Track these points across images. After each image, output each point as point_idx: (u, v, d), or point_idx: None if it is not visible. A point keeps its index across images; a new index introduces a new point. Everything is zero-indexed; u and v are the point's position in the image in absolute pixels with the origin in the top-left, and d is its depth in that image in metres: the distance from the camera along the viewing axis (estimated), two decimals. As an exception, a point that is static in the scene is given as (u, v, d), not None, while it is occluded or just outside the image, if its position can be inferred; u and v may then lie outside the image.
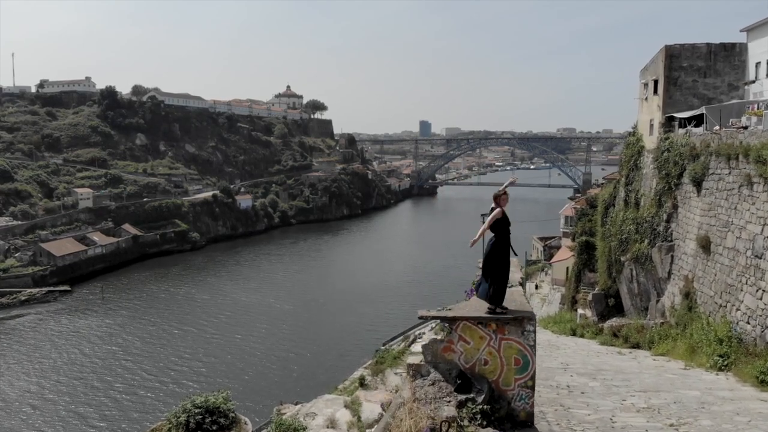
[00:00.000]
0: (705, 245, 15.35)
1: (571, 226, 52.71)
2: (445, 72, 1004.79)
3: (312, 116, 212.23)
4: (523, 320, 6.91)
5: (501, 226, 7.63)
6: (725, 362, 11.59)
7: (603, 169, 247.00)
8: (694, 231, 16.49)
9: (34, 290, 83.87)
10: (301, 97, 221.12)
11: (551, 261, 46.54)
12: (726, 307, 13.91)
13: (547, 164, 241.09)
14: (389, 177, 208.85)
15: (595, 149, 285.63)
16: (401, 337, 61.16)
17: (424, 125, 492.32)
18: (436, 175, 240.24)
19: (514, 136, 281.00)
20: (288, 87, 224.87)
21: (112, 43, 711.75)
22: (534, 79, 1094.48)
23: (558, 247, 56.08)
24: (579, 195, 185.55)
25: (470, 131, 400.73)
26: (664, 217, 18.70)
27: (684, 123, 19.11)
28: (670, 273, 17.97)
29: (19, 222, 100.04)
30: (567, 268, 40.94)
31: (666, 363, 12.98)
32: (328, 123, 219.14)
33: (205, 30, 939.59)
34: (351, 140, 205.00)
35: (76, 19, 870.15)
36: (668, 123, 20.18)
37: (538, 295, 45.62)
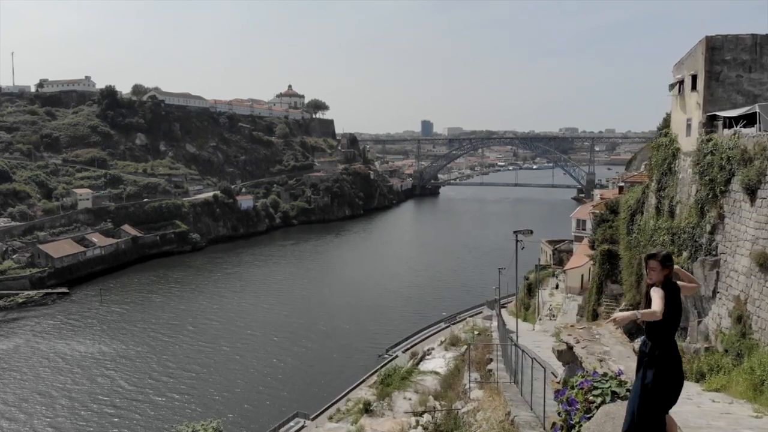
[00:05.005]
0: (762, 263, 13.46)
1: (583, 229, 50.76)
2: (446, 71, 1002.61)
3: (313, 116, 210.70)
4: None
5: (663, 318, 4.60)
6: (807, 410, 9.72)
7: (609, 169, 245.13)
8: (746, 245, 14.57)
9: (32, 292, 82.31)
10: (302, 96, 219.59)
11: (565, 268, 44.54)
12: (792, 336, 11.99)
13: (550, 164, 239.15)
14: (391, 177, 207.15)
15: (597, 149, 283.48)
16: (406, 344, 59.39)
17: (426, 125, 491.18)
18: (439, 175, 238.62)
19: (517, 135, 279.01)
20: (289, 86, 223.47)
21: (113, 44, 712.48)
22: (536, 78, 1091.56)
23: (569, 251, 54.10)
24: (583, 195, 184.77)
25: (472, 131, 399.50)
26: (708, 228, 16.78)
27: (730, 123, 17.20)
28: (715, 291, 16.08)
29: (18, 223, 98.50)
30: (582, 275, 39.00)
31: (729, 406, 11.09)
32: (329, 123, 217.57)
33: (206, 30, 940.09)
34: (353, 140, 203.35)
35: (77, 20, 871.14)
36: (710, 123, 18.27)
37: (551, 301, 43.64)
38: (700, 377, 13.86)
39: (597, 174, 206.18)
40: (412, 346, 58.27)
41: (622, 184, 41.02)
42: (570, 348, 5.95)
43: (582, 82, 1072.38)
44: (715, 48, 18.26)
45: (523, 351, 10.41)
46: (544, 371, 8.88)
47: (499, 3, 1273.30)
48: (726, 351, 14.57)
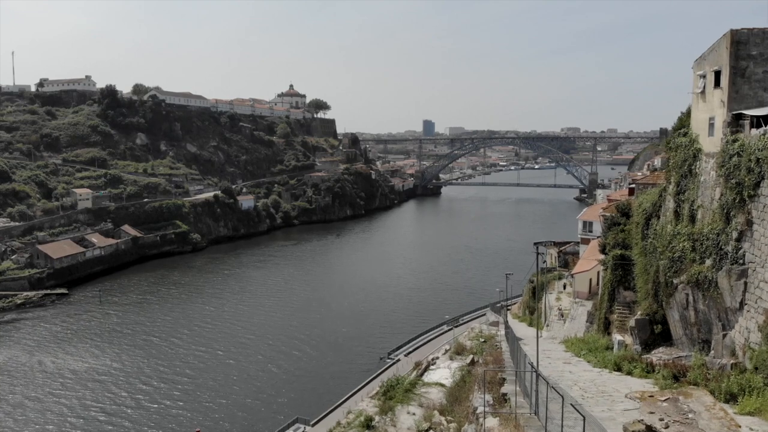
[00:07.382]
0: (799, 274, 12.36)
1: (589, 231, 49.64)
2: (448, 71, 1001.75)
3: (315, 115, 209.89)
4: None
5: None
6: None
7: (612, 169, 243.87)
8: (779, 255, 13.46)
9: (31, 293, 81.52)
10: (304, 96, 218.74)
11: (573, 272, 43.35)
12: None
13: (552, 164, 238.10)
14: (393, 177, 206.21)
15: (599, 149, 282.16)
16: (408, 348, 58.40)
17: (428, 125, 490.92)
18: (440, 175, 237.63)
19: (518, 135, 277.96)
20: (291, 86, 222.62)
21: (115, 44, 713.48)
22: (538, 78, 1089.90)
23: (574, 254, 52.95)
24: (585, 195, 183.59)
25: (474, 131, 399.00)
26: (734, 234, 15.73)
27: (757, 122, 16.13)
28: (742, 303, 15.02)
29: (17, 223, 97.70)
30: (590, 279, 37.89)
31: (771, 435, 9.99)
32: (331, 122, 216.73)
33: (206, 30, 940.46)
34: (354, 140, 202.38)
35: (78, 20, 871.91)
36: (735, 122, 17.20)
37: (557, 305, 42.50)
38: (729, 398, 12.81)
39: (600, 174, 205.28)
40: (414, 350, 57.28)
41: (633, 185, 39.82)
42: (651, 429, 4.79)
43: (582, 82, 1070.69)
44: (740, 42, 17.18)
45: (551, 385, 9.27)
46: (584, 420, 7.71)
47: (499, 3, 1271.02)
48: (756, 369, 13.51)
